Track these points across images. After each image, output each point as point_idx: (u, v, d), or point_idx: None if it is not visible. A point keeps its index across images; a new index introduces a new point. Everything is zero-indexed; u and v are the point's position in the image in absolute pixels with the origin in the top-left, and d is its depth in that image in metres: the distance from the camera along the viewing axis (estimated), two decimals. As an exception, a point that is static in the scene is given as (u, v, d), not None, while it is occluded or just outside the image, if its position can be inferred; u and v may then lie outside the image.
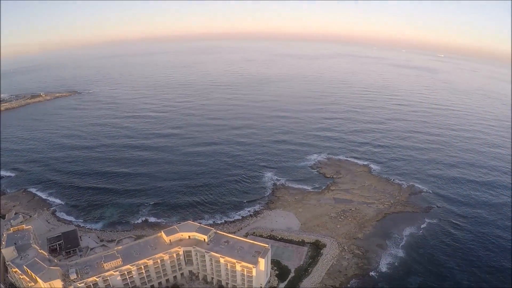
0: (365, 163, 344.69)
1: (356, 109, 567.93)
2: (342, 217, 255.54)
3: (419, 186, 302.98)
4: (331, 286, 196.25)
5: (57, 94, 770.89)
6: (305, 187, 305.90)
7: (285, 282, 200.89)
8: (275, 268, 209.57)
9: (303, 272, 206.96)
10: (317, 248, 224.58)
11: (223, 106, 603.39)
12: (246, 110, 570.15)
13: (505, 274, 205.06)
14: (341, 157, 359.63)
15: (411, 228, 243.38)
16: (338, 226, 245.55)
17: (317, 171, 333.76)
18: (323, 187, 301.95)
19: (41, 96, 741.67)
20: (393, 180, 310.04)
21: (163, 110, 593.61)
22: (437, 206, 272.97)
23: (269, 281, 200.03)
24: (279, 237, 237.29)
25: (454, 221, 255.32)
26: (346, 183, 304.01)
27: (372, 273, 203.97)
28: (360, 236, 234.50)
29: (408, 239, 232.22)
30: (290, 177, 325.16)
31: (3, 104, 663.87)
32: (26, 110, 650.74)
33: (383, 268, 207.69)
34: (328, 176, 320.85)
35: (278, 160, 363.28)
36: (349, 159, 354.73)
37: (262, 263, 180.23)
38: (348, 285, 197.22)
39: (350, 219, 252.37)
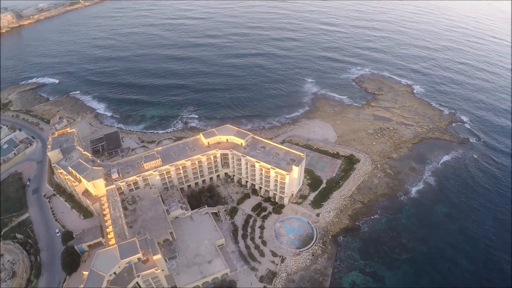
0: (409, 83, 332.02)
1: (410, 30, 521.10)
2: (379, 134, 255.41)
3: (461, 116, 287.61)
4: (360, 201, 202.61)
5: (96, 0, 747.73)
6: (346, 99, 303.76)
7: (316, 192, 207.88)
8: (308, 177, 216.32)
9: (334, 184, 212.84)
10: (350, 162, 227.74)
11: (265, 14, 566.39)
12: (291, 20, 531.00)
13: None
14: (385, 73, 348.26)
15: (446, 157, 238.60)
16: (374, 143, 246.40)
17: (359, 85, 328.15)
18: (364, 102, 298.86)
19: (81, 2, 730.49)
20: (435, 105, 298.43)
21: (201, 17, 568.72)
22: (476, 140, 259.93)
23: (300, 189, 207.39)
24: (315, 147, 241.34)
25: (493, 157, 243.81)
26: (387, 101, 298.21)
27: (400, 195, 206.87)
28: (395, 156, 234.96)
29: (441, 168, 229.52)
30: (331, 88, 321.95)
31: (42, 13, 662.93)
32: (65, 17, 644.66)
33: (412, 192, 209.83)
34: (370, 91, 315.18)
35: (320, 70, 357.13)
36: (393, 76, 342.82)
37: (296, 171, 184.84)
38: (376, 203, 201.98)
39: (386, 138, 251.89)
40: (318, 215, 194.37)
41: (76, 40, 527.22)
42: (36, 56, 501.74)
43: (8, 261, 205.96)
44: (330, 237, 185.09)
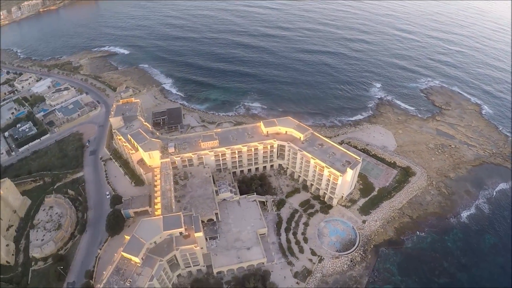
0: (479, 102, 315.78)
1: (487, 48, 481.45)
2: (439, 150, 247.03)
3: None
4: (408, 215, 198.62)
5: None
6: (411, 109, 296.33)
7: (366, 199, 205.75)
8: (361, 182, 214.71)
9: (386, 193, 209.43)
10: (406, 174, 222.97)
11: (340, 13, 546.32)
12: (366, 22, 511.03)
13: None
14: (455, 88, 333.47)
15: (504, 185, 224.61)
16: (433, 159, 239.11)
17: (426, 97, 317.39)
18: (429, 115, 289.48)
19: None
20: (502, 129, 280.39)
21: (275, 7, 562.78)
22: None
23: (351, 193, 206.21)
24: (372, 153, 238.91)
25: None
26: (452, 117, 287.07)
27: (450, 217, 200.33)
28: (452, 176, 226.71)
29: (497, 196, 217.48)
30: (398, 96, 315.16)
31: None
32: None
33: (463, 215, 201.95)
34: (437, 105, 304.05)
35: (389, 76, 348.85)
36: (463, 93, 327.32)
37: (350, 173, 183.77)
38: (424, 220, 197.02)
39: (446, 155, 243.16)
40: (364, 222, 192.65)
41: (149, 16, 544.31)
42: (110, 27, 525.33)
43: (56, 213, 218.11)
44: (372, 246, 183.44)
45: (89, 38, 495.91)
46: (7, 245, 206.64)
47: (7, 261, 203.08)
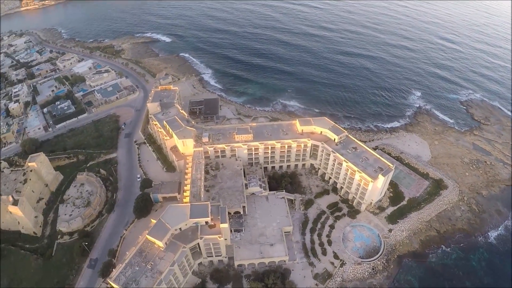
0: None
1: None
2: (474, 166, 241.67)
3: None
4: (436, 229, 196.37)
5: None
6: (449, 121, 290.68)
7: (395, 208, 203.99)
8: (391, 190, 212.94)
9: (415, 204, 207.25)
10: (438, 186, 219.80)
11: (384, 16, 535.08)
12: (410, 28, 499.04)
13: None
14: (496, 103, 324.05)
15: None
16: (467, 174, 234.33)
17: (466, 109, 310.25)
18: (466, 128, 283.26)
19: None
20: None
21: (319, 6, 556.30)
22: None
23: (380, 200, 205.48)
24: (406, 161, 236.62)
25: None
26: (491, 133, 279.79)
27: (478, 236, 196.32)
28: (484, 193, 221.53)
29: None
30: (437, 106, 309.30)
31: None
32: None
33: (491, 236, 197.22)
34: (476, 118, 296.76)
35: (429, 86, 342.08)
36: (503, 109, 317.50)
37: (381, 180, 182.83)
38: (451, 236, 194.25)
39: (481, 172, 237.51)
40: (390, 230, 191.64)
41: (192, 6, 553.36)
42: (153, 15, 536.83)
43: (86, 191, 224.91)
44: (395, 256, 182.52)
45: (132, 24, 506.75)
46: (35, 217, 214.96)
47: (34, 232, 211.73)
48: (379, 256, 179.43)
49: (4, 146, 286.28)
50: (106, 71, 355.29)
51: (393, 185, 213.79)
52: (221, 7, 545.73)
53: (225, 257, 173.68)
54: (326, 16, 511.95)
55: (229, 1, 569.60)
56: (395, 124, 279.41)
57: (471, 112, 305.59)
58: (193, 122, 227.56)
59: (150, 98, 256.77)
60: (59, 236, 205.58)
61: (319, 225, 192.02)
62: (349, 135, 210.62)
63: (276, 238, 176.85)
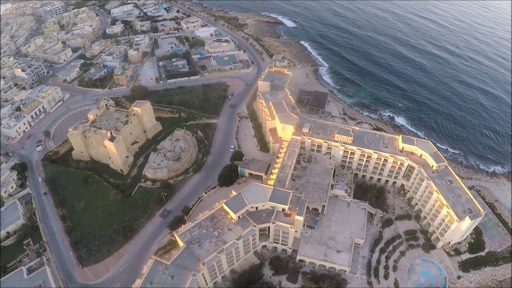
0: None
1: None
2: None
3: None
4: None
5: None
6: None
7: (471, 256, 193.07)
8: (473, 236, 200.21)
9: (493, 259, 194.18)
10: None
11: None
12: None
13: None
14: None
15: None
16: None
17: None
18: None
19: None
20: None
21: (445, 24, 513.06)
22: None
23: (459, 243, 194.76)
24: (498, 211, 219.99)
25: None
26: None
27: None
28: None
29: None
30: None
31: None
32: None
33: None
34: None
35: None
36: None
37: (467, 223, 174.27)
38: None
39: None
40: (459, 277, 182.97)
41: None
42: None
43: (180, 146, 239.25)
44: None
45: (260, 3, 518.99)
46: (126, 156, 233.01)
47: (121, 170, 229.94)
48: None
49: (115, 87, 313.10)
50: (226, 41, 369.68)
51: (477, 231, 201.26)
52: (348, 5, 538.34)
53: (290, 248, 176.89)
54: (452, 37, 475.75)
55: (359, 0, 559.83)
56: (499, 169, 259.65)
57: None
58: (298, 110, 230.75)
59: (262, 76, 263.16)
60: (142, 180, 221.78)
61: (390, 248, 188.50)
62: (449, 166, 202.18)
63: (344, 246, 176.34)
